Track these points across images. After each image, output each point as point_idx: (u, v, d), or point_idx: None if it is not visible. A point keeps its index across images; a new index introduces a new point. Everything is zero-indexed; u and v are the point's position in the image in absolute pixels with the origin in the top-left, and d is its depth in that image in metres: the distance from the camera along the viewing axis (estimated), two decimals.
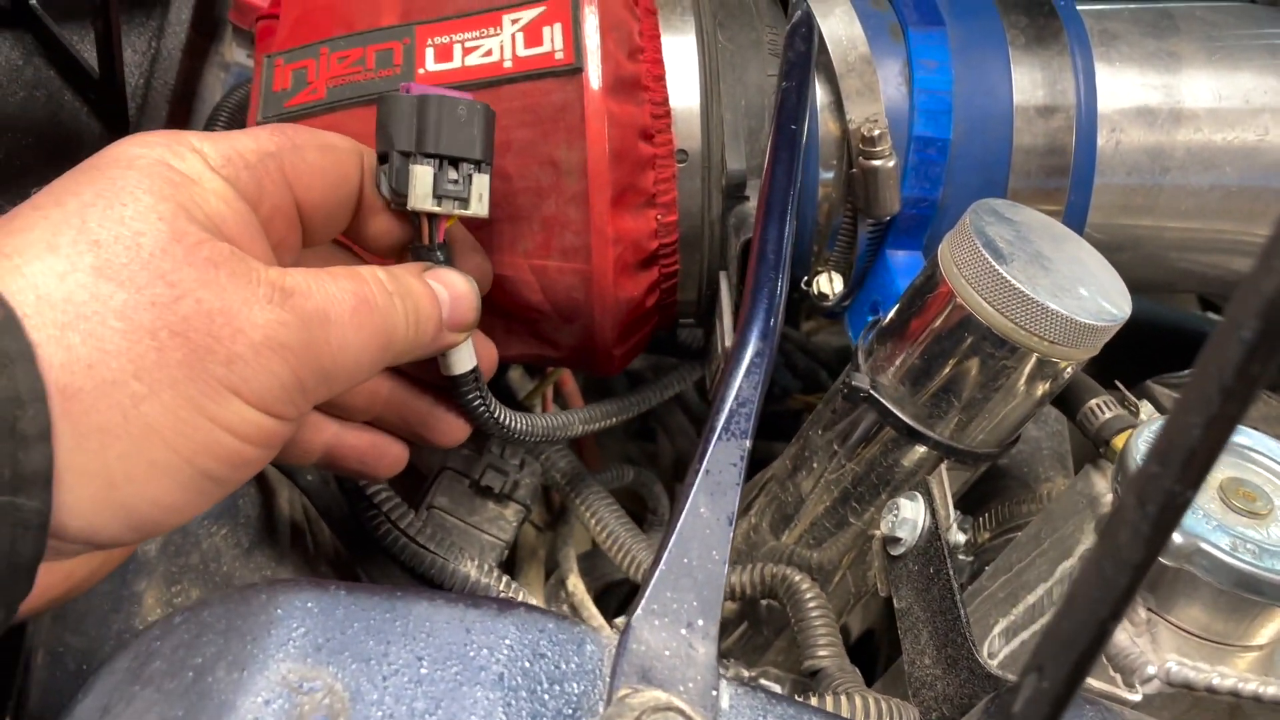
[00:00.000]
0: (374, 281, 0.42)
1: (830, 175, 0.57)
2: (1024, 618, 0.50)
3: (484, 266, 0.52)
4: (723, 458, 0.37)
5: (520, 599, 0.55)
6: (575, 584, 0.68)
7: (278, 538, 0.60)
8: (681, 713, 0.31)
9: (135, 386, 0.34)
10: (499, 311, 0.56)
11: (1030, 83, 0.56)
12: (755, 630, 0.64)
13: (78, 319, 0.34)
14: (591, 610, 0.67)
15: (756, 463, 0.65)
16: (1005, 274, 0.46)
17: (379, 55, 0.53)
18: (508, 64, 0.52)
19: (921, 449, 0.52)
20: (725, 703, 0.34)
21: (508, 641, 0.32)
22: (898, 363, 0.51)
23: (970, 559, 0.60)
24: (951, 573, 0.46)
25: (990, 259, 0.46)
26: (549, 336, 0.57)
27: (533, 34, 0.52)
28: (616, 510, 0.65)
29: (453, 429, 0.52)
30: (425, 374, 0.52)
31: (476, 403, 0.51)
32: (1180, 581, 0.42)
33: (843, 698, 0.43)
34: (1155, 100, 0.57)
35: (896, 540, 0.50)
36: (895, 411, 0.51)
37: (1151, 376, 0.69)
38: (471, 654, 0.32)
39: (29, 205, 0.36)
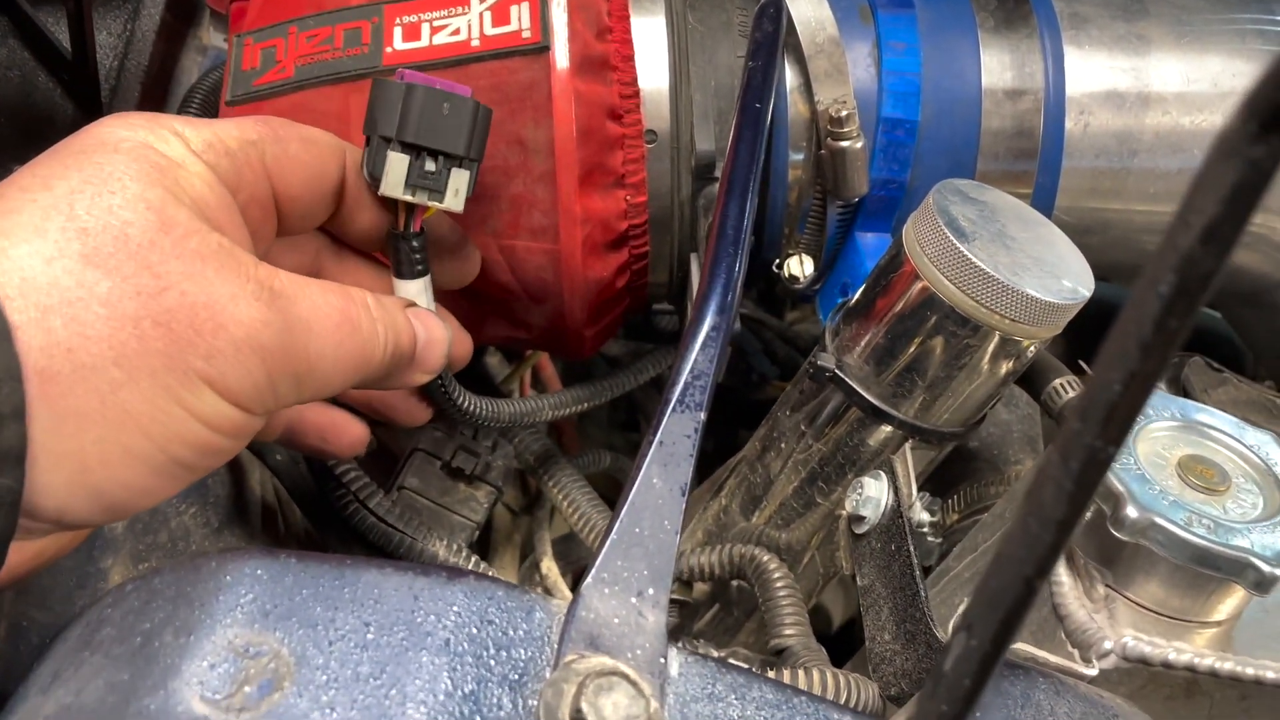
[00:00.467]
0: (361, 305, 0.43)
1: (800, 157, 0.57)
2: None
3: (465, 263, 0.52)
4: (676, 429, 0.37)
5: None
6: (549, 567, 0.69)
7: (248, 517, 0.60)
8: (626, 677, 0.31)
9: (114, 373, 0.35)
10: (470, 293, 0.56)
11: (999, 65, 0.56)
12: (726, 611, 0.64)
13: (61, 304, 0.34)
14: (565, 593, 0.67)
15: (737, 451, 0.65)
16: (967, 252, 0.46)
17: (347, 34, 0.53)
18: (475, 43, 0.52)
19: (887, 429, 0.52)
20: (675, 670, 0.34)
21: (455, 608, 0.32)
22: (863, 343, 0.51)
23: (939, 540, 0.60)
24: (912, 549, 0.46)
25: (952, 237, 0.46)
26: (519, 317, 0.57)
27: (500, 13, 0.52)
28: (589, 493, 0.65)
29: (416, 410, 0.53)
30: None
31: (440, 389, 0.51)
32: (1138, 557, 0.43)
33: (800, 671, 0.43)
34: (1124, 84, 0.57)
35: (860, 519, 0.50)
36: (860, 391, 0.51)
37: None
38: (419, 620, 0.32)
39: (14, 186, 0.36)
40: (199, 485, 0.56)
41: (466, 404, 0.53)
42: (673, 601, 0.60)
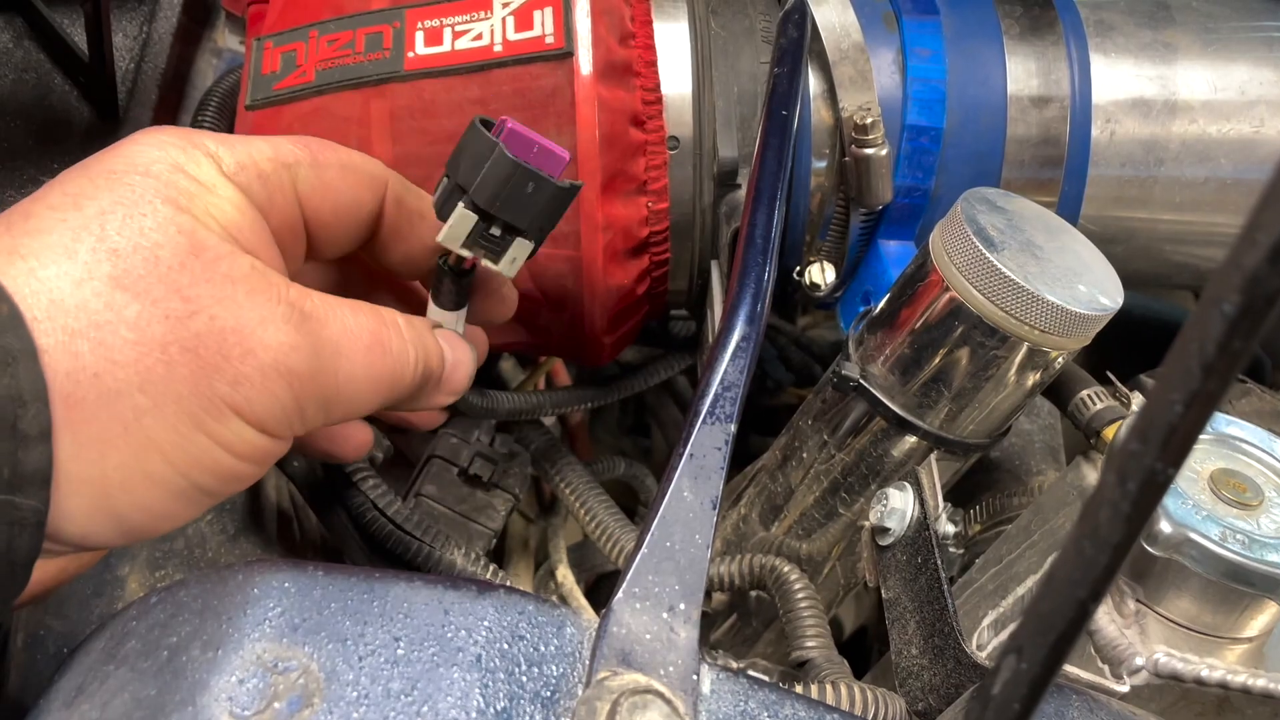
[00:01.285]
0: (392, 325, 0.42)
1: (823, 164, 0.56)
2: (1013, 610, 0.50)
3: (503, 305, 0.51)
4: (707, 441, 0.37)
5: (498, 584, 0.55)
6: (564, 574, 0.68)
7: (264, 524, 0.60)
8: (661, 695, 0.30)
9: (139, 399, 0.34)
10: None
11: (1025, 72, 0.56)
12: (744, 622, 0.64)
13: (89, 326, 0.34)
14: (580, 601, 0.66)
15: (750, 457, 0.65)
16: (996, 262, 0.45)
17: (368, 38, 0.53)
18: (498, 48, 0.51)
19: (911, 439, 0.51)
20: (706, 687, 0.33)
21: (486, 623, 0.32)
22: (888, 352, 0.51)
23: (961, 551, 0.60)
24: (939, 562, 0.45)
25: (981, 247, 0.46)
26: (539, 324, 0.57)
27: (523, 18, 0.51)
28: (605, 500, 0.64)
29: (427, 414, 0.53)
30: None
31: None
32: (1170, 572, 0.42)
33: (828, 687, 0.42)
34: (1150, 91, 0.56)
35: (885, 530, 0.50)
36: (885, 401, 0.51)
37: (1145, 370, 0.68)
38: (449, 635, 0.32)
39: (43, 204, 0.36)
40: None
41: (462, 400, 0.53)
42: None
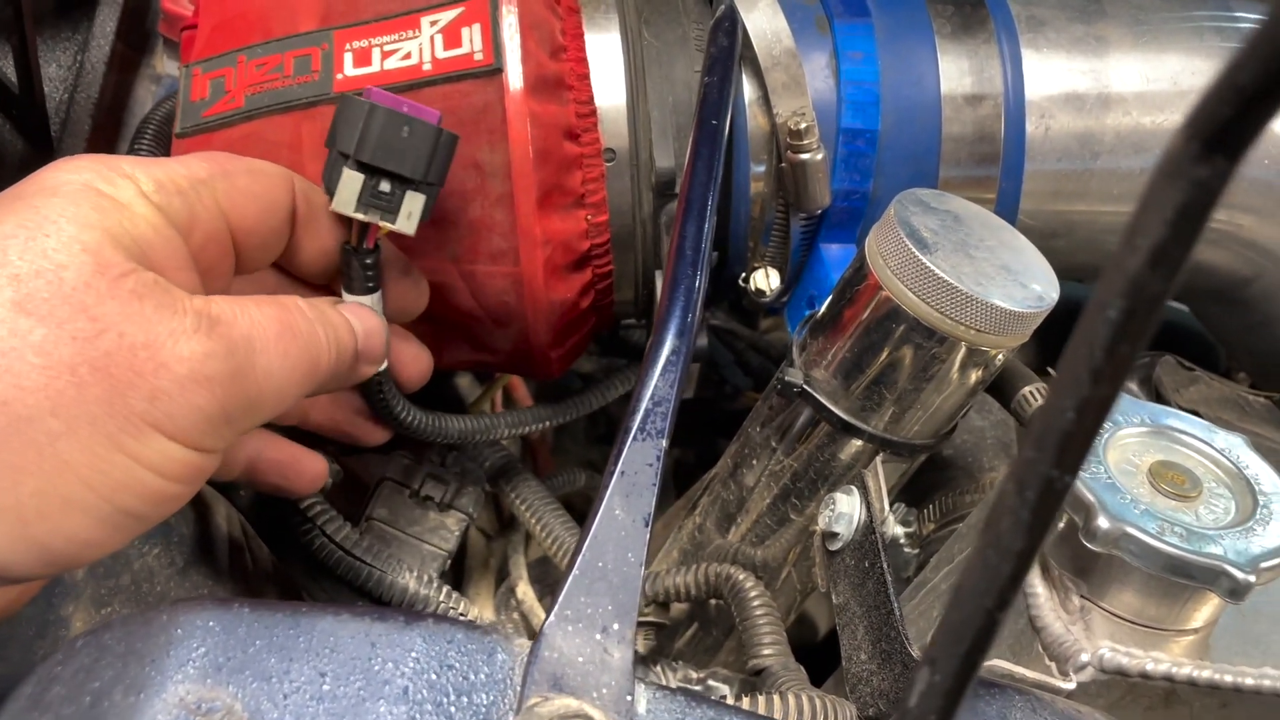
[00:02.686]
0: (296, 309, 0.42)
1: (761, 170, 0.56)
2: None
3: (415, 289, 0.52)
4: (638, 458, 0.36)
5: (460, 609, 0.55)
6: (525, 591, 0.68)
7: (215, 556, 0.59)
8: (589, 718, 0.30)
9: (52, 424, 0.34)
10: (432, 318, 0.55)
11: (957, 71, 0.56)
12: (705, 631, 0.63)
13: None
14: (541, 616, 0.66)
15: (712, 464, 0.65)
16: (929, 263, 0.45)
17: (297, 61, 0.52)
18: (427, 66, 0.51)
19: (857, 443, 0.51)
20: (642, 707, 0.33)
21: (414, 654, 0.31)
22: (830, 356, 0.51)
23: (916, 551, 0.60)
24: (886, 566, 0.45)
25: (914, 249, 0.46)
26: (484, 341, 0.57)
27: (452, 35, 0.51)
28: (561, 515, 0.64)
29: (372, 429, 0.53)
30: None
31: (384, 406, 0.51)
32: (1112, 568, 0.42)
33: (775, 697, 0.42)
34: (1083, 85, 0.57)
35: (834, 535, 0.50)
36: (829, 406, 0.51)
37: None
38: (376, 668, 0.31)
39: None
40: (161, 525, 0.55)
41: (408, 417, 0.53)
42: (650, 624, 0.60)
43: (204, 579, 0.58)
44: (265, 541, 0.59)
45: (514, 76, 0.50)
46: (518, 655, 0.33)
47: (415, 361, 0.52)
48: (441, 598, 0.55)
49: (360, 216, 0.45)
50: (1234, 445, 0.45)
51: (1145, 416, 0.46)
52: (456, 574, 0.72)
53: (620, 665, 0.33)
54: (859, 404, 0.50)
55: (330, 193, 0.45)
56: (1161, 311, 0.20)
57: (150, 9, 0.77)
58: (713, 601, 0.62)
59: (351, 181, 0.45)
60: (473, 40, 0.51)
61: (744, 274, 0.60)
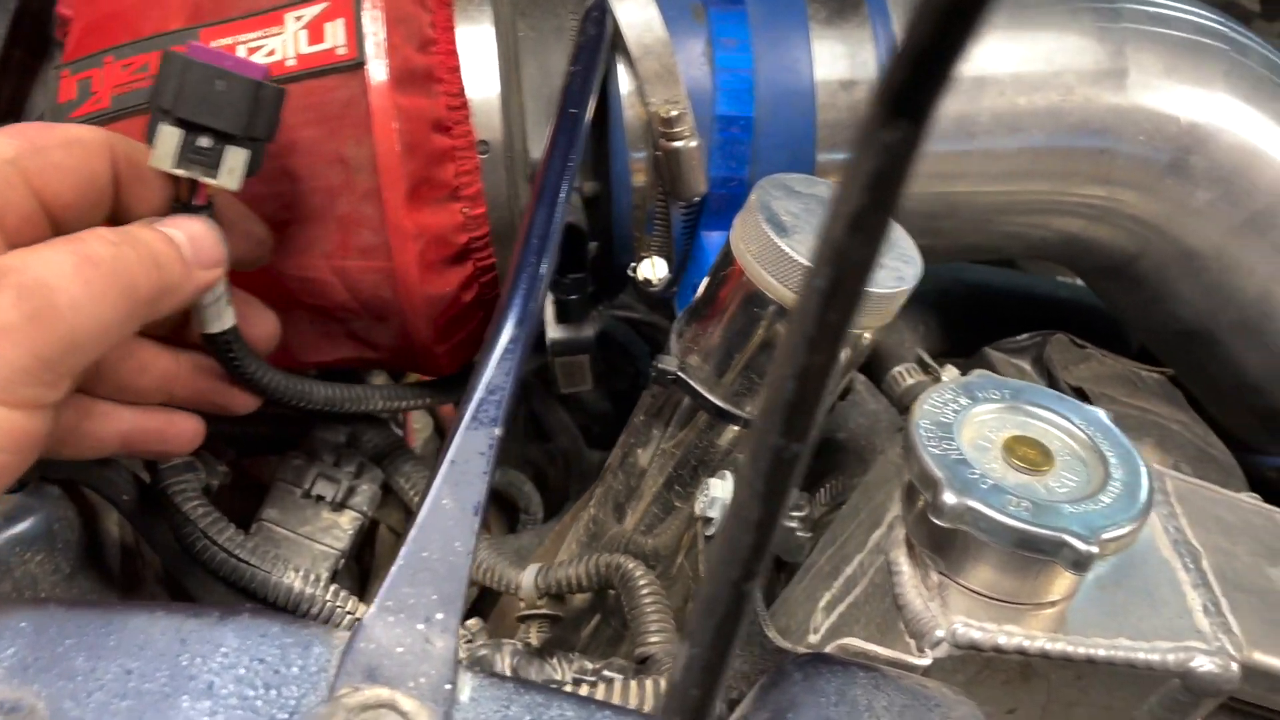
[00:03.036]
0: (95, 238, 0.41)
1: (641, 160, 0.56)
2: (842, 590, 0.50)
3: (258, 233, 0.51)
4: (470, 447, 0.36)
5: (348, 607, 0.54)
6: None
7: (104, 561, 0.59)
8: (395, 708, 0.30)
9: None
10: (312, 314, 0.55)
11: (831, 56, 0.56)
12: (606, 623, 0.63)
13: None
14: None
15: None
16: (785, 247, 0.45)
17: None
18: (290, 62, 0.51)
19: (734, 428, 0.52)
20: (465, 695, 0.33)
21: (223, 649, 0.31)
22: (704, 343, 0.51)
23: (808, 535, 0.60)
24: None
25: (771, 233, 0.46)
26: (365, 337, 0.56)
27: (315, 31, 0.51)
28: None
29: (239, 398, 0.52)
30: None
31: (236, 363, 0.50)
32: (966, 544, 0.42)
33: (633, 685, 0.42)
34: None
35: (709, 520, 0.50)
36: (703, 392, 0.51)
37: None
38: (184, 663, 0.31)
39: None
40: (44, 532, 0.55)
41: (265, 377, 0.51)
42: (544, 617, 0.60)
43: (92, 585, 0.57)
44: (155, 547, 0.59)
45: (377, 70, 0.50)
46: (336, 648, 0.33)
47: (262, 322, 0.51)
48: (328, 597, 0.55)
49: (180, 172, 0.44)
50: (1092, 419, 0.45)
51: (1005, 393, 0.46)
52: (364, 573, 0.72)
53: (442, 654, 0.33)
54: (733, 390, 0.50)
55: (150, 144, 0.44)
56: (868, 277, 0.20)
57: (52, 15, 0.77)
58: (612, 592, 0.62)
59: (168, 136, 0.44)
60: (336, 35, 0.50)
61: (632, 264, 0.60)
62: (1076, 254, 0.64)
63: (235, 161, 0.45)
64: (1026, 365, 0.65)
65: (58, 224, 0.43)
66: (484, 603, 0.82)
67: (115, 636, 0.32)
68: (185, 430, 0.51)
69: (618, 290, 0.66)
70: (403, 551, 0.34)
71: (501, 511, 0.96)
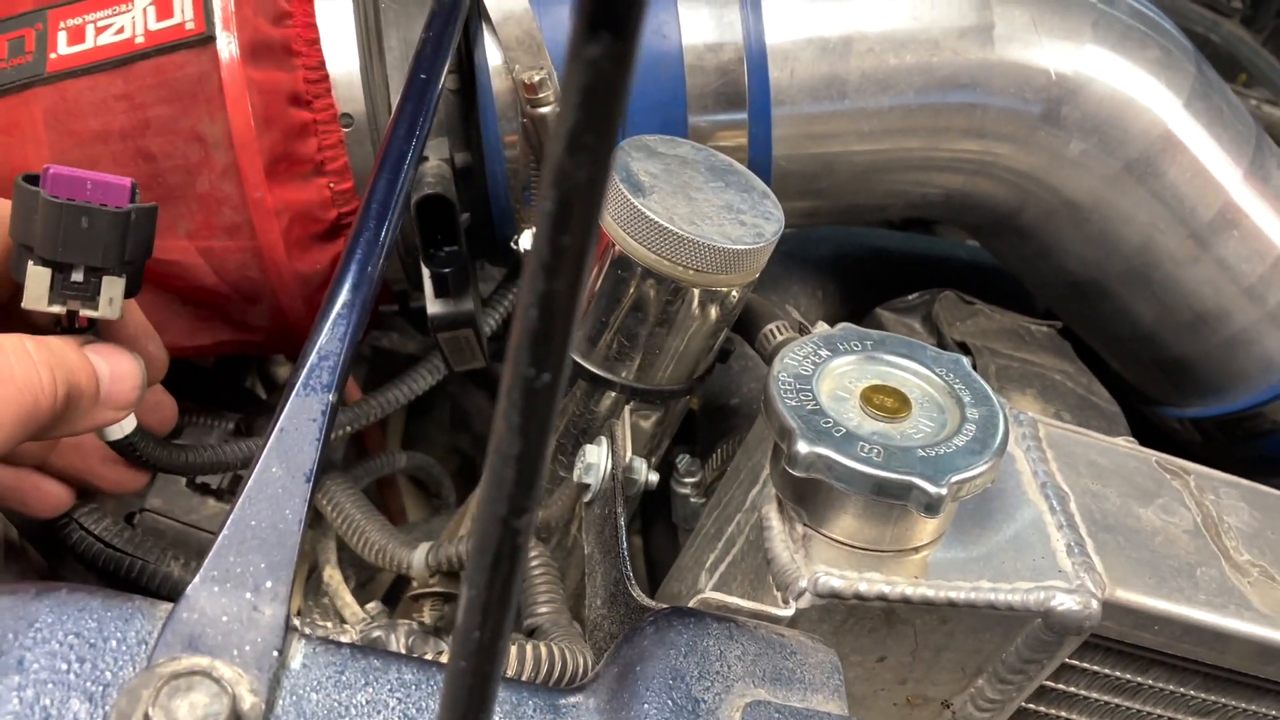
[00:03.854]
0: (15, 351, 0.40)
1: (512, 129, 0.56)
2: (723, 550, 0.50)
3: (158, 356, 0.49)
4: (301, 414, 0.36)
5: None
6: (331, 574, 0.67)
7: None
8: (209, 675, 0.30)
9: None
10: (183, 299, 0.54)
11: (697, 19, 0.56)
12: None
13: None
14: (346, 599, 0.65)
15: None
16: (641, 207, 0.45)
17: (11, 44, 0.51)
18: (139, 39, 0.50)
19: (611, 394, 0.51)
20: (297, 663, 0.32)
21: (36, 625, 0.31)
22: None
23: (702, 501, 0.60)
24: (620, 511, 0.45)
25: (628, 193, 0.45)
26: (240, 320, 0.56)
27: (164, 7, 0.50)
28: (354, 495, 0.63)
29: (125, 479, 0.51)
30: None
31: (143, 459, 0.49)
32: (826, 493, 0.42)
33: (529, 648, 0.42)
34: (826, 28, 0.57)
35: (585, 487, 0.50)
36: (578, 360, 0.50)
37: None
38: None
39: None
40: None
41: (176, 458, 0.51)
42: (437, 594, 0.59)
43: None
44: (35, 543, 0.58)
45: (226, 44, 0.49)
46: (158, 620, 0.32)
47: (158, 409, 0.51)
48: None
49: (57, 309, 0.42)
50: (952, 365, 0.46)
51: (865, 344, 0.46)
52: None
53: (271, 622, 0.32)
54: (606, 355, 0.50)
55: (20, 285, 0.41)
56: (598, 200, 0.20)
57: None
58: None
59: (39, 278, 0.41)
60: (184, 10, 0.50)
61: (515, 237, 0.59)
62: (960, 210, 0.64)
63: (113, 291, 0.42)
64: (916, 323, 0.65)
65: None
66: (399, 589, 0.81)
67: None
68: (50, 495, 0.50)
69: (502, 263, 0.65)
70: (229, 520, 0.34)
71: (421, 496, 0.96)
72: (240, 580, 0.33)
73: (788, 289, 0.71)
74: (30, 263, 0.41)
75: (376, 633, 0.55)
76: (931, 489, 0.39)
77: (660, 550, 0.66)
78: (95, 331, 0.44)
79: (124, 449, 0.48)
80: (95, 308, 0.42)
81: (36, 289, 0.41)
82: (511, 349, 0.22)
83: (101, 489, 0.52)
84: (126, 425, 0.48)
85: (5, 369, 0.39)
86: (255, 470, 0.35)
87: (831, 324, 0.63)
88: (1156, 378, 0.74)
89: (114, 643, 0.31)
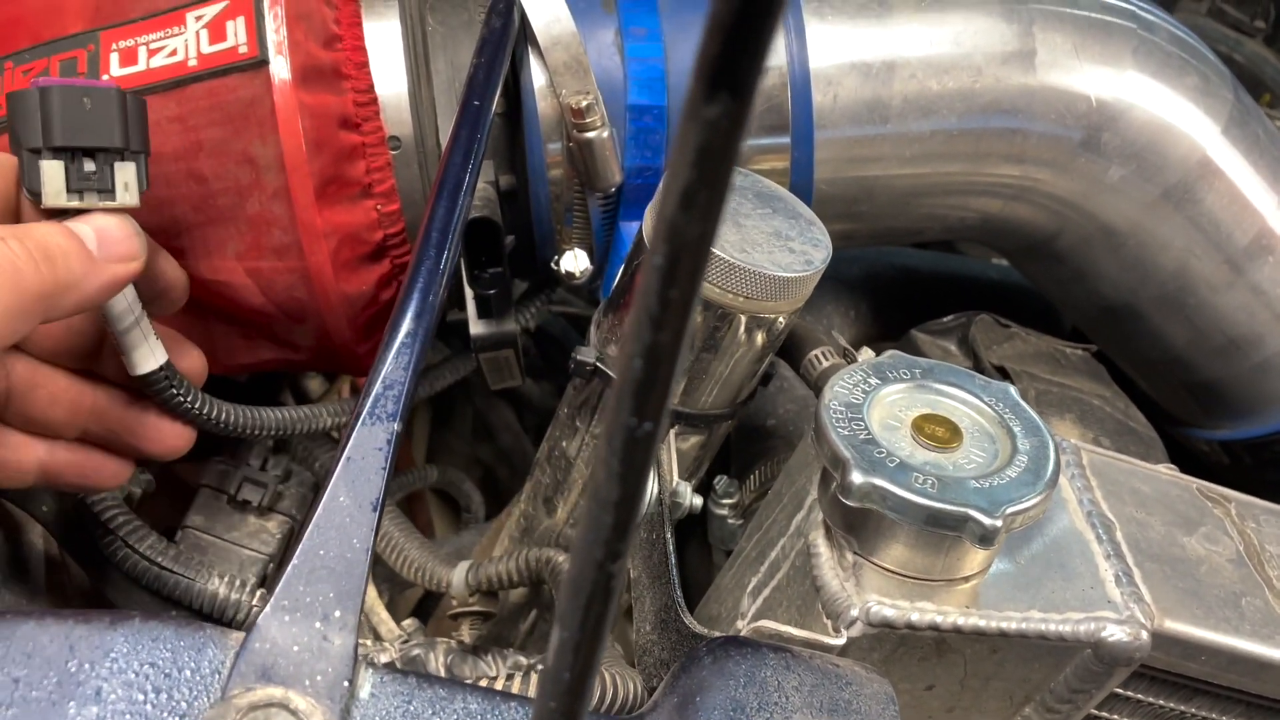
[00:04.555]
0: None
1: (556, 153, 0.56)
2: (767, 574, 0.50)
3: (171, 271, 0.49)
4: (367, 443, 0.36)
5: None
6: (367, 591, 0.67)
7: (29, 573, 0.58)
8: (286, 707, 0.30)
9: None
10: (229, 318, 0.55)
11: None
12: (542, 618, 0.63)
13: None
14: (382, 615, 0.65)
15: None
16: None
17: (63, 64, 0.51)
18: (192, 62, 0.50)
19: None
20: (365, 692, 0.33)
21: (112, 655, 0.31)
22: (621, 333, 0.51)
23: (740, 523, 0.60)
24: (669, 536, 0.46)
25: None
26: (285, 339, 0.56)
27: (216, 30, 0.50)
28: (393, 513, 0.63)
29: (167, 436, 0.51)
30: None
31: (175, 399, 0.49)
32: (879, 523, 0.42)
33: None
34: (869, 52, 0.57)
35: None
36: None
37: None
38: (72, 670, 0.31)
39: None
40: None
41: (212, 412, 0.50)
42: (476, 614, 0.60)
43: (17, 597, 0.56)
44: (79, 559, 0.58)
45: (280, 68, 0.50)
46: (230, 649, 0.32)
47: (191, 361, 0.51)
48: (255, 602, 0.54)
49: (76, 204, 0.43)
50: (1001, 395, 0.46)
51: (915, 372, 0.46)
52: None
53: (340, 652, 0.33)
54: None
55: (37, 193, 0.42)
56: (705, 255, 0.21)
57: None
58: (546, 587, 0.62)
59: (54, 171, 0.42)
60: (237, 33, 0.50)
61: (555, 257, 0.60)
62: (997, 234, 0.64)
63: (128, 176, 0.43)
64: (952, 346, 0.65)
65: None
66: (428, 604, 0.81)
67: (2, 645, 0.31)
68: (106, 467, 0.51)
69: (551, 285, 0.65)
70: (298, 550, 0.34)
71: (448, 511, 0.96)
72: (310, 610, 0.33)
73: (821, 309, 0.71)
74: (41, 160, 0.42)
75: (415, 651, 0.55)
76: (987, 521, 0.39)
77: (694, 570, 0.66)
78: None
79: (159, 386, 0.48)
80: (113, 197, 0.43)
81: (53, 183, 0.42)
82: (614, 398, 0.22)
83: (151, 453, 0.51)
84: (157, 355, 0.47)
85: None
86: (323, 499, 0.35)
87: (861, 345, 0.63)
88: (1185, 400, 0.74)
89: (188, 673, 0.31)
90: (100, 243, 0.44)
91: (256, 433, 0.54)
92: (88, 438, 0.50)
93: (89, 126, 0.42)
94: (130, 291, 0.46)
